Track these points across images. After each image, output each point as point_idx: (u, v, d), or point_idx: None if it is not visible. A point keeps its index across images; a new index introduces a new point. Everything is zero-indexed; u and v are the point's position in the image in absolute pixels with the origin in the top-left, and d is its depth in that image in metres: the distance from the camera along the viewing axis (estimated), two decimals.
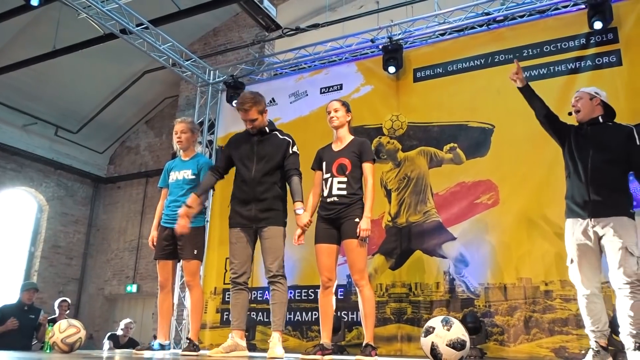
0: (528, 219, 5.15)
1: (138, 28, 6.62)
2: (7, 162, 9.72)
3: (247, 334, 6.00)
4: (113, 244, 10.94)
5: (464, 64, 6.01)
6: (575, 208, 3.32)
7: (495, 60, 5.84)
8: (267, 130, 3.81)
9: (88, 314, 10.62)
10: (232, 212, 3.78)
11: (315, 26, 7.63)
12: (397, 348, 5.41)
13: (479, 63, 5.92)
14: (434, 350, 2.18)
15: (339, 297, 5.87)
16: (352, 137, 3.77)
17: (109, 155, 11.58)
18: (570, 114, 3.59)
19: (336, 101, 3.83)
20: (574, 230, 3.30)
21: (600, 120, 3.44)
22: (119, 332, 7.23)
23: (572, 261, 3.29)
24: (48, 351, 3.82)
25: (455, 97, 5.94)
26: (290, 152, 3.72)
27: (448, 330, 2.19)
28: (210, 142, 7.64)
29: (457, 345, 2.15)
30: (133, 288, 10.17)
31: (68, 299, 7.31)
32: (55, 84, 9.35)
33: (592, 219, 3.21)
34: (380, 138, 6.22)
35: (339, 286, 5.91)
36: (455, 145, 5.78)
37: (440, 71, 6.13)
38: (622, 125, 3.42)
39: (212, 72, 7.75)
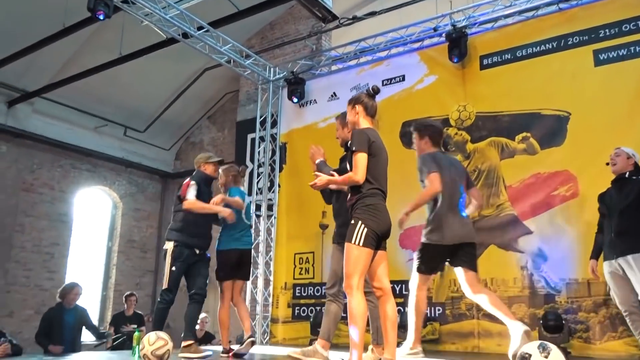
0: None
1: (199, 32, 6.71)
2: (82, 163, 10.22)
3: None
4: None
5: (534, 49, 5.73)
6: (606, 251, 4.13)
7: (569, 42, 5.53)
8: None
9: None
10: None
11: (372, 14, 7.47)
12: (474, 344, 5.35)
13: (550, 47, 5.64)
14: None
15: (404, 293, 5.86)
16: None
17: (175, 152, 11.95)
18: (607, 164, 4.30)
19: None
20: (607, 267, 4.12)
21: (627, 175, 4.15)
22: (196, 327, 7.47)
23: (608, 289, 4.21)
24: (136, 357, 4.04)
25: (526, 84, 5.69)
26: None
27: (546, 357, 2.11)
28: (274, 138, 7.72)
29: None
30: None
31: (135, 293, 7.65)
32: (122, 86, 9.68)
33: (617, 259, 3.97)
34: (447, 130, 6.06)
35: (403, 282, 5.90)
36: (529, 134, 5.56)
37: (509, 57, 5.88)
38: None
39: (272, 69, 7.78)
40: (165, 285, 4.48)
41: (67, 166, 9.97)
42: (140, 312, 7.08)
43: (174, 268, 4.42)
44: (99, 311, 10.35)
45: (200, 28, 6.76)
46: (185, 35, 6.78)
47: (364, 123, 3.26)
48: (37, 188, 9.45)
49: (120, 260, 10.67)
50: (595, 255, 4.29)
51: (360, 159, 3.04)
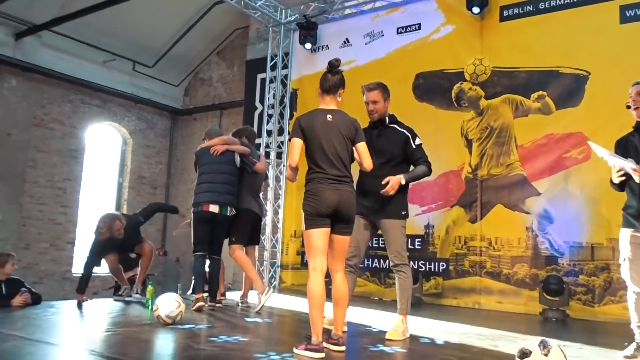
0: None
1: None
2: (92, 99, 10.17)
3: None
4: (192, 173, 11.25)
5: (558, 1, 5.47)
6: (633, 221, 3.16)
7: None
8: (387, 122, 3.73)
9: (174, 239, 11.39)
10: None
11: None
12: (476, 300, 5.49)
13: (575, 0, 5.36)
14: None
15: (416, 246, 5.95)
16: None
17: (184, 88, 11.82)
18: (628, 107, 3.24)
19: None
20: (630, 235, 3.18)
21: None
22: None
23: (624, 259, 3.17)
24: (149, 308, 4.19)
25: (546, 39, 5.47)
26: (414, 146, 3.64)
27: (545, 355, 2.16)
28: (284, 83, 7.55)
29: None
30: None
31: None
32: (130, 20, 9.45)
33: None
34: (461, 84, 5.92)
35: (416, 236, 5.98)
36: (544, 93, 5.41)
37: (531, 9, 5.62)
38: None
39: (283, 10, 7.49)
40: None
41: (77, 101, 9.93)
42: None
43: None
44: None
45: None
46: None
47: (321, 102, 3.26)
48: (48, 123, 9.47)
49: (131, 196, 10.86)
50: None
51: (291, 146, 3.20)
